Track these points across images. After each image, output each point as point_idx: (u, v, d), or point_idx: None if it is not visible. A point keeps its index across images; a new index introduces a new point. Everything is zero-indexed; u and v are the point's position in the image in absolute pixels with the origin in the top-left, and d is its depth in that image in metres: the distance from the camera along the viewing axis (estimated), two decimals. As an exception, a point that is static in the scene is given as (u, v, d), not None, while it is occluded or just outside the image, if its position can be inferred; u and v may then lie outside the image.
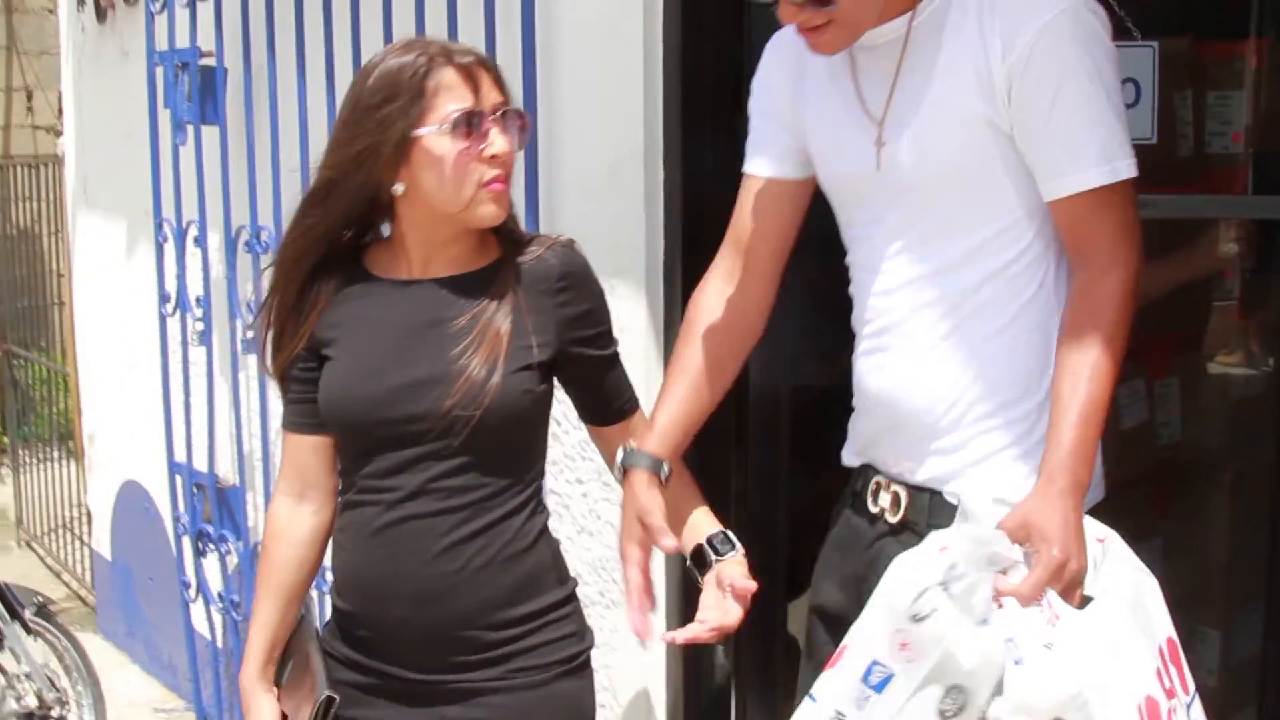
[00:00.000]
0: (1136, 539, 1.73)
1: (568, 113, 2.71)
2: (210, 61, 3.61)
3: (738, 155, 2.05)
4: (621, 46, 2.60)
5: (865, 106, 1.83)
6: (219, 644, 4.06)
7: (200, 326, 3.84)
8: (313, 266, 1.97)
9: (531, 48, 2.70)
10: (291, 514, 2.05)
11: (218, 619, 4.02)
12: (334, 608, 2.03)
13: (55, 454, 6.73)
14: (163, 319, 3.99)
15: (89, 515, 5.43)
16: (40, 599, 4.02)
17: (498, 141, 1.85)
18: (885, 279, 1.85)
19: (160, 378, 4.01)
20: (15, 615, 3.87)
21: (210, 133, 3.64)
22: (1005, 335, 1.78)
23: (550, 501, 2.75)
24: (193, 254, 3.80)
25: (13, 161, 8.17)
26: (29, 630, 3.92)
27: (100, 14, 4.43)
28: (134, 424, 4.60)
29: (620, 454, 1.96)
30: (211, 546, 3.88)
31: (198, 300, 3.82)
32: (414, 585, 1.90)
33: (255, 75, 3.47)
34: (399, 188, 1.88)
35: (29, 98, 8.77)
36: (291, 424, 2.04)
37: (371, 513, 1.92)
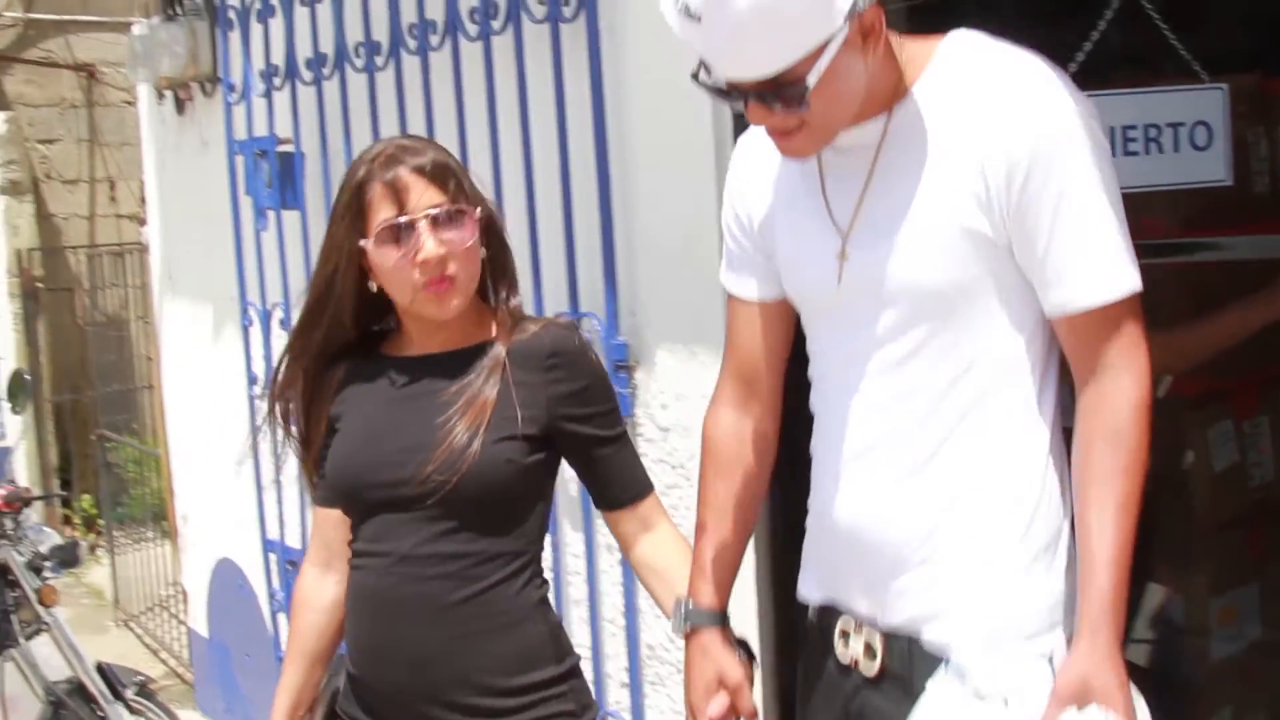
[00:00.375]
0: (1231, 584, 1.71)
1: (642, 183, 2.75)
2: (288, 148, 3.69)
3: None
4: (690, 117, 2.63)
5: (831, 215, 1.72)
6: (317, 719, 4.10)
7: (288, 406, 3.90)
8: (328, 362, 2.05)
9: (602, 121, 2.75)
10: (317, 583, 2.13)
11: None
12: (346, 671, 2.09)
13: (149, 534, 6.85)
14: (251, 400, 4.06)
15: (184, 594, 5.51)
16: (141, 678, 4.07)
17: (427, 245, 1.89)
18: (859, 398, 1.72)
19: (251, 457, 4.08)
20: (118, 695, 3.92)
21: (291, 217, 3.72)
22: (990, 461, 1.66)
23: (606, 562, 2.76)
24: (278, 336, 3.88)
25: (99, 250, 8.38)
26: (131, 710, 3.97)
27: (179, 106, 4.55)
28: (226, 503, 4.67)
29: (682, 611, 1.90)
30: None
31: (285, 380, 3.88)
32: (408, 649, 1.95)
33: (332, 159, 3.55)
34: (373, 285, 1.96)
35: (112, 188, 8.99)
36: (318, 499, 2.13)
37: (369, 576, 1.98)
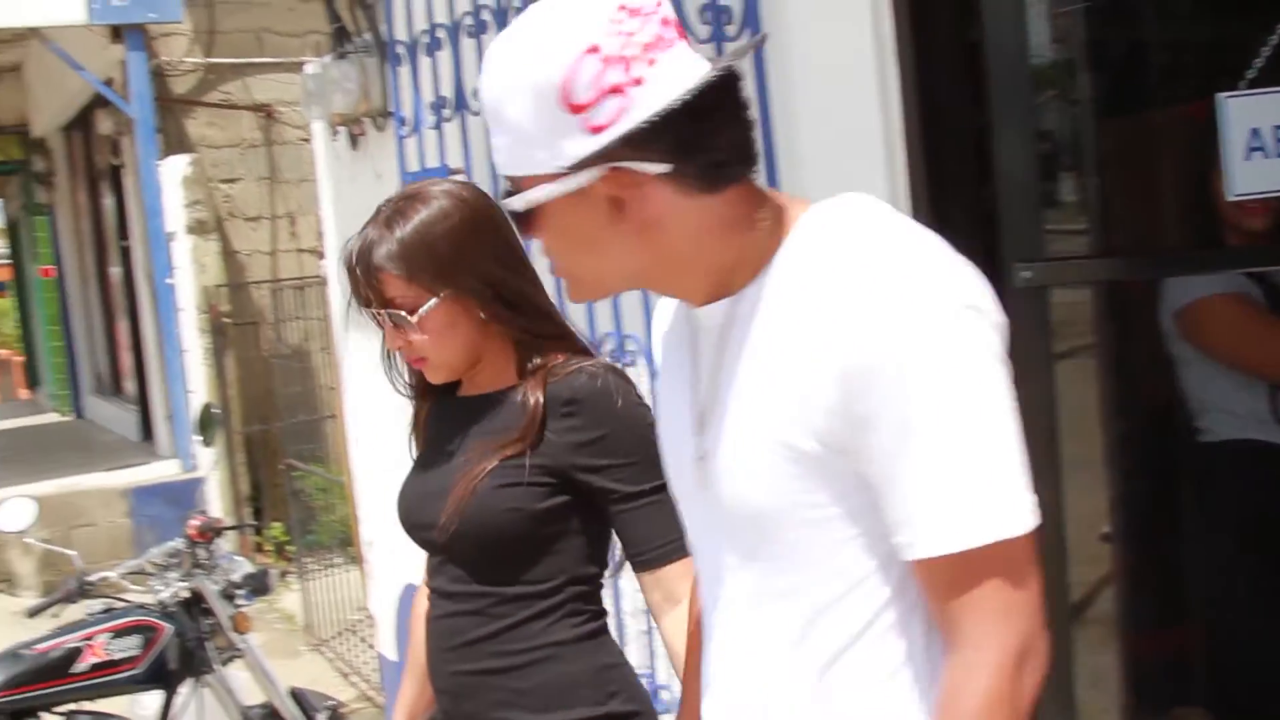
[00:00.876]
0: None
1: (808, 155, 2.69)
2: (460, 178, 3.74)
3: (980, 195, 1.97)
4: (858, 127, 2.58)
5: (693, 408, 1.51)
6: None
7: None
8: (421, 396, 2.17)
9: (770, 141, 2.72)
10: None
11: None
12: None
13: (338, 560, 7.01)
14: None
15: (372, 619, 5.62)
16: (333, 703, 4.16)
17: (390, 335, 2.00)
18: (716, 632, 1.52)
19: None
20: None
21: (464, 245, 3.76)
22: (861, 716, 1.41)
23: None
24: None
25: (281, 285, 8.63)
26: (324, 735, 4.06)
27: (353, 141, 4.65)
28: (409, 529, 4.74)
29: None
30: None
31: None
32: (444, 680, 2.06)
33: (502, 187, 3.58)
34: None
35: (292, 223, 9.26)
36: None
37: (430, 608, 2.10)
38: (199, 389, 8.33)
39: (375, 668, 5.85)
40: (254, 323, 8.81)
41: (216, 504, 8.22)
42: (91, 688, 3.73)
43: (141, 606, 3.90)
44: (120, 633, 3.79)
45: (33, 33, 9.46)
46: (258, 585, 4.06)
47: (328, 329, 6.54)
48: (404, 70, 3.99)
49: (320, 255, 6.71)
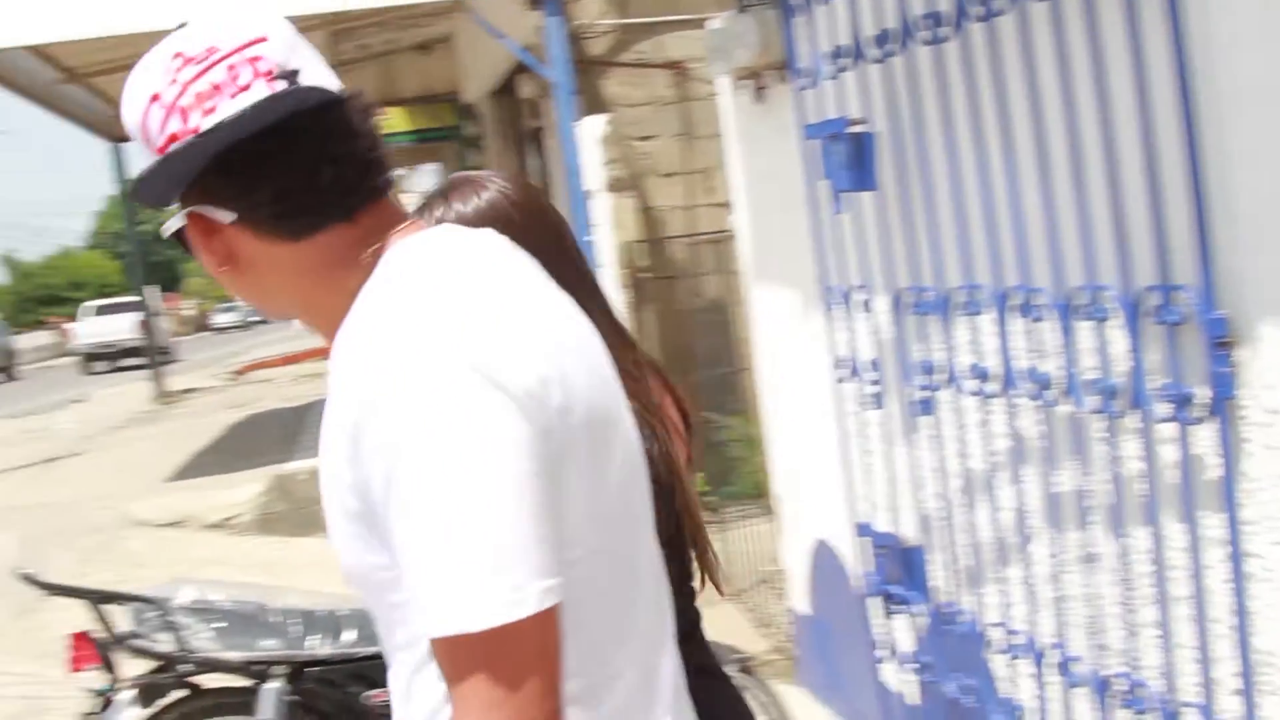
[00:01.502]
0: None
1: (1238, 138, 2.48)
2: (861, 129, 3.65)
3: None
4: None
5: None
6: (911, 703, 4.06)
7: (873, 389, 3.88)
8: None
9: (1186, 77, 2.50)
10: None
11: (908, 678, 4.02)
12: None
13: (754, 511, 7.07)
14: (838, 383, 4.07)
15: (785, 572, 5.64)
16: (742, 656, 4.19)
17: None
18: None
19: (837, 440, 4.09)
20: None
21: (867, 198, 3.68)
22: None
23: (1252, 565, 2.51)
24: (863, 318, 3.86)
25: (697, 239, 8.76)
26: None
27: (757, 95, 4.63)
28: (819, 485, 4.72)
29: None
30: (899, 607, 3.89)
31: (870, 364, 3.87)
32: None
33: (905, 137, 3.48)
34: None
35: (707, 178, 9.36)
36: None
37: None
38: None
39: (788, 620, 5.88)
40: (672, 277, 8.98)
41: (638, 454, 8.44)
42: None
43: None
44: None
45: (459, 5, 9.96)
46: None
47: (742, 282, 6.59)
48: (801, 21, 3.92)
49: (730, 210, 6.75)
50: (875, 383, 3.86)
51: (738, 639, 5.23)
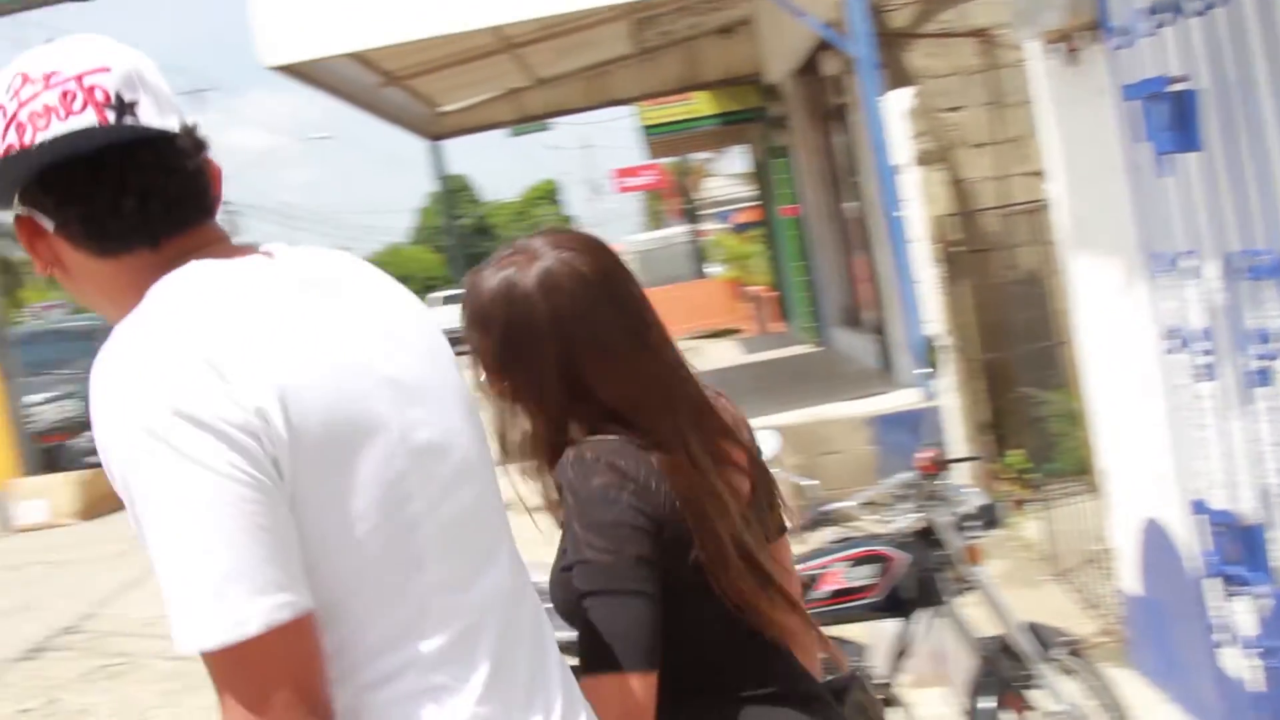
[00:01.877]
0: None
1: None
2: (1183, 87, 3.48)
3: None
4: None
5: None
6: (1253, 689, 3.85)
7: (1205, 360, 3.69)
8: None
9: None
10: None
11: (1251, 663, 3.81)
12: None
13: (1078, 488, 6.84)
14: (1167, 354, 3.89)
15: (1112, 551, 5.44)
16: (1069, 639, 4.06)
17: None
18: None
19: (1166, 414, 3.91)
20: (1046, 655, 3.95)
21: (1193, 159, 3.50)
22: None
23: None
24: (1191, 286, 3.67)
25: (1010, 210, 8.53)
26: (1064, 671, 3.98)
27: (1070, 57, 4.46)
28: (1148, 461, 4.53)
29: None
30: (1240, 588, 3.70)
31: (1201, 333, 3.68)
32: None
33: (1232, 93, 3.29)
34: None
35: (1020, 146, 9.09)
36: None
37: None
38: (933, 318, 8.43)
39: (1118, 601, 5.67)
40: (986, 249, 8.77)
41: (956, 431, 8.30)
42: (830, 612, 3.87)
43: (875, 537, 4.01)
44: (856, 562, 3.92)
45: (757, -14, 9.96)
46: (989, 518, 4.03)
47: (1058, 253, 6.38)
48: (1116, -23, 3.76)
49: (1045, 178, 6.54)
50: (1207, 353, 3.68)
51: (1065, 620, 5.07)
